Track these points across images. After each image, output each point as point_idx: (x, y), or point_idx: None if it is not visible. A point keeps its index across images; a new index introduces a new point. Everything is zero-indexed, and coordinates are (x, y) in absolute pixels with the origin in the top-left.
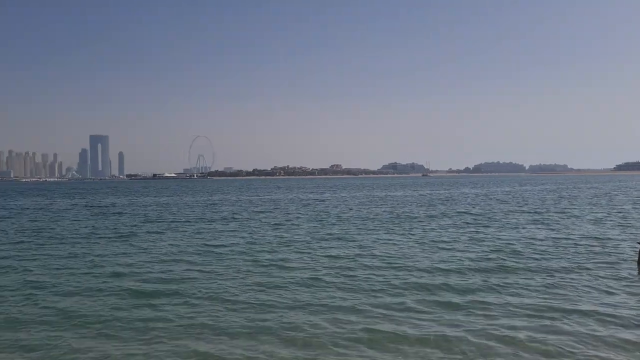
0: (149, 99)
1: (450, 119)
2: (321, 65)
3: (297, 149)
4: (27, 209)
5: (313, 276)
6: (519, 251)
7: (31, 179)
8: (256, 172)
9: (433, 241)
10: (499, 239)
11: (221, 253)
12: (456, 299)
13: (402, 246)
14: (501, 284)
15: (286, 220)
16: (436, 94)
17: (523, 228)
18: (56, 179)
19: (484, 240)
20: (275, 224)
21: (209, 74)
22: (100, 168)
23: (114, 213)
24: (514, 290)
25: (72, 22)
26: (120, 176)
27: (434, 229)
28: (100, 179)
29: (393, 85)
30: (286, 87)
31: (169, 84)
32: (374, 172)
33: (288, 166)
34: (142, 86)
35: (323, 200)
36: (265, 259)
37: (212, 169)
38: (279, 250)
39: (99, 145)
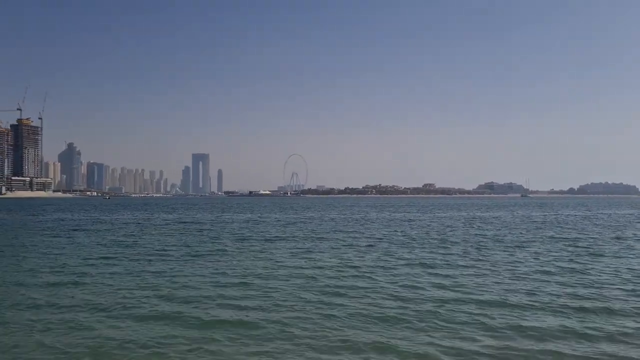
0: (247, 118)
1: (552, 135)
2: (413, 86)
3: (390, 168)
4: (128, 223)
5: (367, 310)
6: (614, 285)
7: (140, 195)
8: (348, 191)
9: (517, 271)
10: (588, 271)
11: (285, 276)
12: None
13: (482, 275)
14: (597, 328)
15: (364, 241)
16: (536, 110)
17: (622, 257)
18: (162, 195)
19: (579, 273)
20: (351, 245)
21: (304, 96)
22: (201, 185)
23: (201, 229)
24: (611, 338)
25: (173, 52)
26: (219, 193)
27: (520, 260)
28: (201, 195)
29: (490, 102)
30: (379, 106)
31: (266, 105)
32: (468, 192)
33: (380, 185)
34: (240, 107)
35: (410, 220)
36: (328, 285)
37: (306, 187)
38: (344, 276)
39: (200, 163)
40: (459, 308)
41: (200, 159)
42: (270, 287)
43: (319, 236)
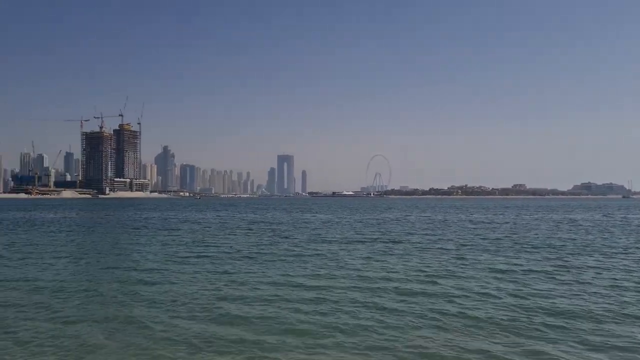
0: (331, 119)
1: None
2: (501, 80)
3: (477, 168)
4: (211, 222)
5: (428, 324)
6: None
7: (228, 195)
8: (432, 191)
9: (604, 283)
10: None
11: (349, 280)
12: None
13: (566, 289)
14: None
15: (440, 244)
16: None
17: None
18: (248, 195)
19: None
20: (425, 248)
21: (388, 96)
22: (285, 186)
23: (277, 230)
24: None
25: (258, 53)
26: (303, 193)
27: (610, 269)
28: (285, 196)
29: (586, 95)
30: (465, 103)
31: (349, 105)
32: (562, 193)
33: (466, 185)
34: (323, 109)
35: (493, 222)
36: (392, 292)
37: (389, 188)
38: (411, 282)
39: (285, 165)
40: (535, 327)
41: (285, 160)
42: (331, 292)
43: (394, 238)
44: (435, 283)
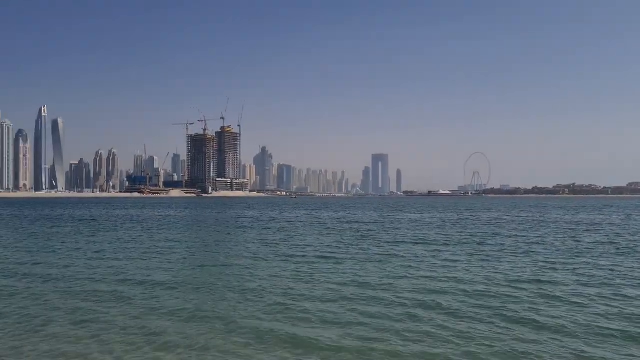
0: (426, 117)
1: None
2: (616, 72)
3: (588, 166)
4: (294, 221)
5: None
6: None
7: (323, 194)
8: (536, 190)
9: None
10: None
11: (416, 288)
12: None
13: None
14: None
15: (527, 246)
16: None
17: None
18: (343, 194)
19: None
20: (514, 252)
21: (487, 95)
22: (380, 185)
23: (359, 229)
24: None
25: (352, 57)
26: (398, 193)
27: None
28: (380, 195)
29: None
30: (571, 94)
31: (445, 102)
32: None
33: (574, 184)
34: (418, 106)
35: (594, 224)
36: (459, 305)
37: (488, 187)
38: (490, 293)
39: (380, 164)
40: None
41: (379, 159)
42: (403, 301)
43: (484, 240)
44: (516, 294)
